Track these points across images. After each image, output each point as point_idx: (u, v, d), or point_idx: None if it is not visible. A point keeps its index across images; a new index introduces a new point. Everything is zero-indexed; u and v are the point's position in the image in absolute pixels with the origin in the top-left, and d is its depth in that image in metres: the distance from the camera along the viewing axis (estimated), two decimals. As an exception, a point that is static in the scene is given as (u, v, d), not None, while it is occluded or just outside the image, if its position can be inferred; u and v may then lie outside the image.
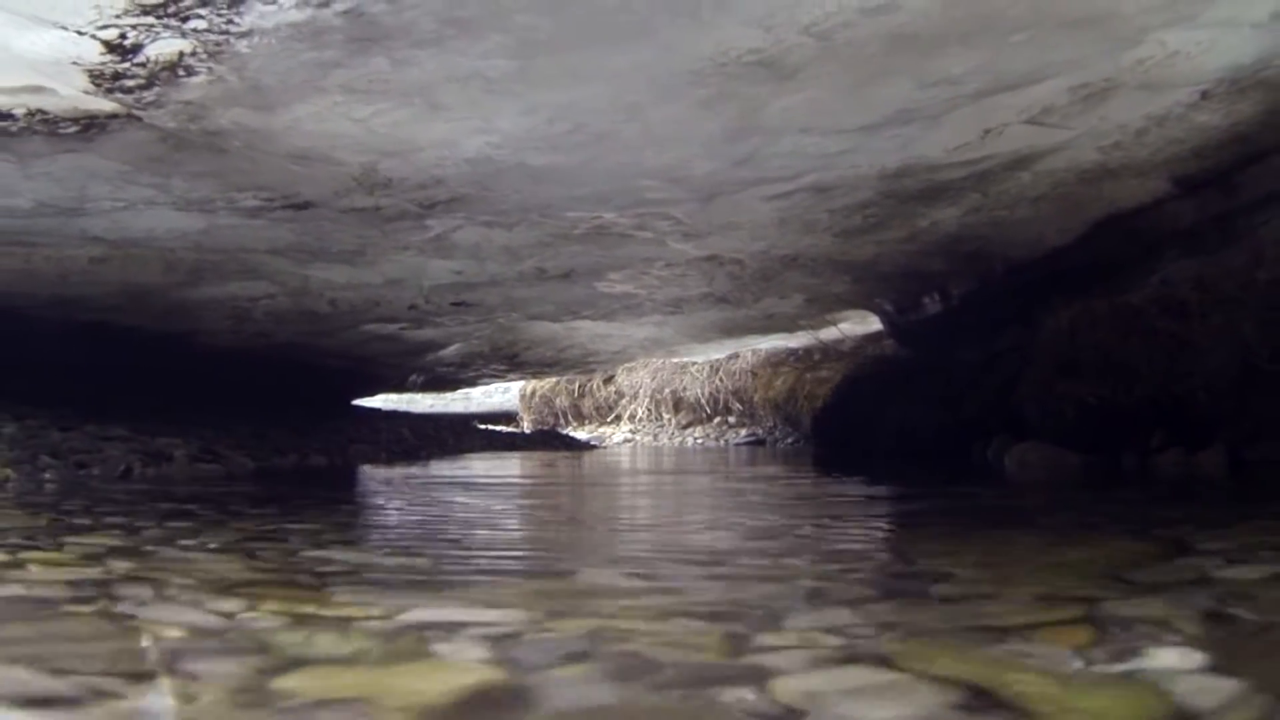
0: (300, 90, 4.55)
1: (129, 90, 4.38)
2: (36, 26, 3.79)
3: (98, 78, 4.24)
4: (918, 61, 4.70)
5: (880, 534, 4.53)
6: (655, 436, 21.31)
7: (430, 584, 3.02)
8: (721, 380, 20.15)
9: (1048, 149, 6.14)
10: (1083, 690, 1.78)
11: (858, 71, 4.75)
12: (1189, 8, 4.40)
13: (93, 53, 4.01)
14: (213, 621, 2.38)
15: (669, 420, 21.57)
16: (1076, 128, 5.78)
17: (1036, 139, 5.92)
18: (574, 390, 23.91)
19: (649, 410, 22.03)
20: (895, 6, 4.09)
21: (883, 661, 1.97)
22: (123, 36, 3.90)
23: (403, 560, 3.54)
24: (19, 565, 3.18)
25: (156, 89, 4.39)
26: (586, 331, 12.92)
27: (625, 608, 2.58)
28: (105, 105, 4.54)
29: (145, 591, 2.75)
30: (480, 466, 10.52)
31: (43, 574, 3.05)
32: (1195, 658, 1.94)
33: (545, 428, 23.02)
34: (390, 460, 11.13)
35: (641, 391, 22.16)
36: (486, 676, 1.93)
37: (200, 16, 3.79)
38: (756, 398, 19.05)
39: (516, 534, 4.79)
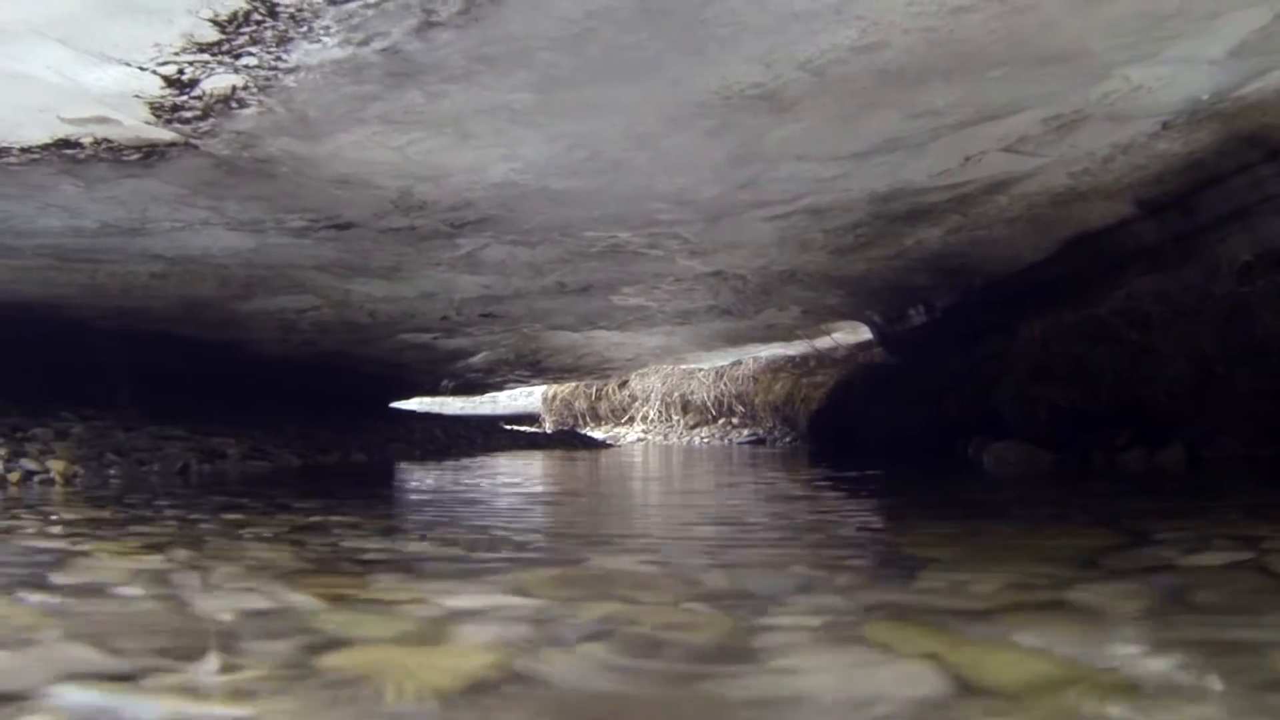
0: (342, 121, 4.56)
1: (186, 121, 4.39)
2: (103, 63, 3.80)
3: (158, 109, 4.25)
4: (904, 95, 4.70)
5: (869, 524, 4.52)
6: (665, 436, 21.25)
7: (460, 571, 3.02)
8: (726, 384, 20.09)
9: (1023, 174, 6.13)
10: (1051, 665, 1.78)
11: (849, 104, 4.74)
12: (1151, 46, 4.40)
13: (153, 87, 4.02)
14: (262, 605, 2.38)
15: (678, 421, 21.50)
16: (1049, 155, 5.77)
17: (1012, 165, 5.91)
18: (591, 394, 23.86)
19: (660, 412, 21.97)
20: (883, 44, 4.09)
21: (870, 641, 1.97)
22: (181, 72, 3.92)
23: (435, 549, 3.54)
24: (87, 554, 3.20)
25: (211, 120, 4.40)
26: (603, 340, 12.91)
27: (637, 593, 2.58)
28: (165, 134, 4.55)
29: (201, 577, 2.76)
30: (506, 463, 10.52)
31: (108, 561, 3.07)
32: (1158, 636, 1.94)
33: (565, 428, 22.97)
34: (424, 458, 11.13)
35: (653, 395, 22.09)
36: (512, 656, 1.94)
37: (251, 54, 3.80)
38: (758, 400, 19.00)
39: (539, 524, 4.79)
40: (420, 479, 7.80)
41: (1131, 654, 1.85)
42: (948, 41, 4.08)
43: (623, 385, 22.95)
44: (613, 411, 23.55)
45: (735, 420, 20.20)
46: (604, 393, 23.62)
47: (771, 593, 2.56)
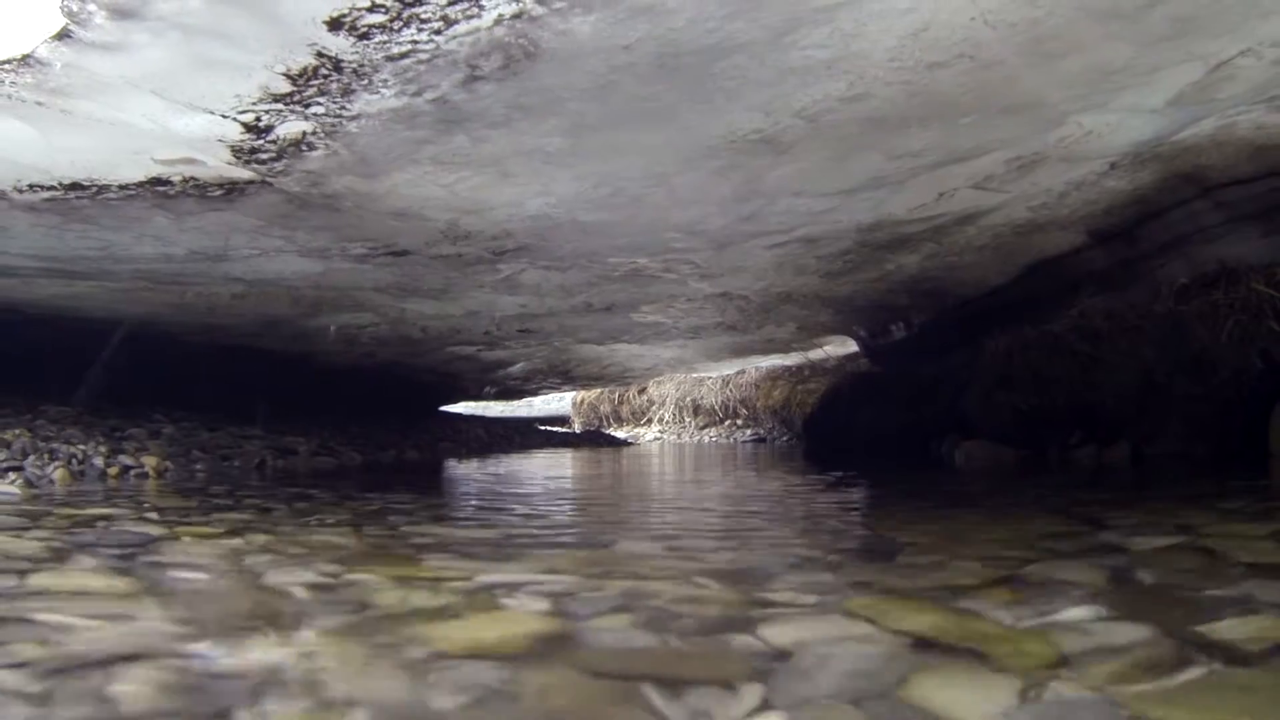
0: (398, 162, 4.57)
1: (262, 161, 4.41)
2: (190, 111, 3.83)
3: (238, 152, 4.27)
4: (886, 139, 4.70)
5: (855, 512, 4.51)
6: (679, 436, 21.20)
7: (500, 552, 3.02)
8: (731, 391, 20.04)
9: (989, 208, 6.11)
10: (1017, 635, 1.78)
11: (838, 147, 4.74)
12: (1101, 97, 4.39)
13: (234, 132, 4.04)
14: (329, 582, 2.39)
15: (690, 423, 21.46)
16: (1012, 191, 5.75)
17: (980, 200, 5.90)
18: (614, 398, 23.81)
19: (674, 414, 21.93)
20: (868, 96, 4.08)
21: (856, 614, 1.97)
22: (258, 119, 3.93)
23: (479, 533, 3.55)
24: (176, 537, 3.21)
25: (284, 161, 4.41)
26: (624, 352, 12.90)
27: (655, 571, 2.58)
28: (244, 173, 4.57)
29: (276, 557, 2.77)
30: (541, 459, 10.52)
31: (195, 544, 3.08)
32: (1106, 609, 1.93)
33: (592, 429, 22.96)
34: (470, 455, 11.14)
35: (668, 399, 22.05)
36: (545, 625, 1.94)
37: (319, 103, 3.82)
38: (759, 405, 18.95)
39: (568, 511, 4.79)
40: (466, 473, 7.81)
41: (1082, 621, 1.85)
42: (924, 93, 4.08)
43: (642, 391, 22.94)
44: (633, 414, 23.53)
45: (739, 422, 20.17)
46: (625, 397, 23.60)
47: (770, 570, 2.56)
